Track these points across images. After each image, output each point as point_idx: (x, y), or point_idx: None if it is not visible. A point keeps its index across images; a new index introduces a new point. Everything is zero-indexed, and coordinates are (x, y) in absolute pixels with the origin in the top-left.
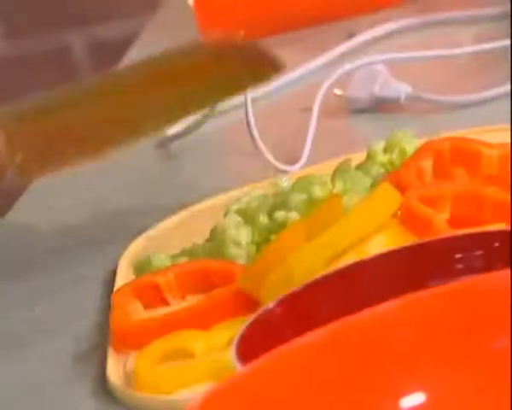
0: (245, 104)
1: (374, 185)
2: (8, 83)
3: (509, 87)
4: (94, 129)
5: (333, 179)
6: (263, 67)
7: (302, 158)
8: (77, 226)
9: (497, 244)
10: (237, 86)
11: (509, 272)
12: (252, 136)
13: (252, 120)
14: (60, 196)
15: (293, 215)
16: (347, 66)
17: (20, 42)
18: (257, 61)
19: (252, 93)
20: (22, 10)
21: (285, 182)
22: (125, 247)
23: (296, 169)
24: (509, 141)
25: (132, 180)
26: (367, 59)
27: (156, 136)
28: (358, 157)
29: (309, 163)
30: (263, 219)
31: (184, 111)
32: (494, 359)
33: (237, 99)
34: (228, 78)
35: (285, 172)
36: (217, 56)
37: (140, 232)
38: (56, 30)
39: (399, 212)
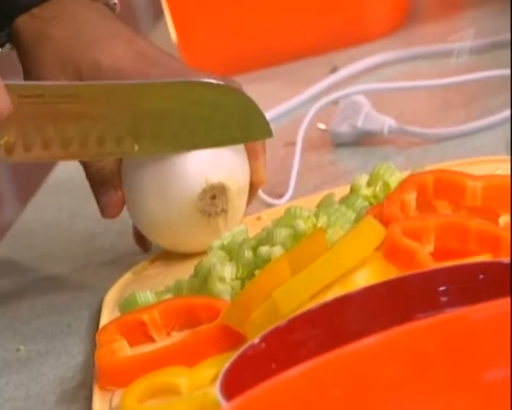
0: None
1: (358, 219)
2: None
3: (489, 120)
4: (82, 128)
5: (317, 213)
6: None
7: (287, 192)
8: (62, 264)
9: (481, 276)
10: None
11: (498, 302)
12: None
13: None
14: (45, 233)
15: (278, 250)
16: (328, 98)
17: None
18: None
19: None
20: None
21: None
22: (110, 284)
23: (282, 203)
24: (492, 173)
25: (118, 217)
26: (348, 89)
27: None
28: (342, 191)
29: (294, 197)
30: (247, 254)
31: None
32: (484, 391)
33: None
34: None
35: (271, 205)
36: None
37: (125, 270)
38: None
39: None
